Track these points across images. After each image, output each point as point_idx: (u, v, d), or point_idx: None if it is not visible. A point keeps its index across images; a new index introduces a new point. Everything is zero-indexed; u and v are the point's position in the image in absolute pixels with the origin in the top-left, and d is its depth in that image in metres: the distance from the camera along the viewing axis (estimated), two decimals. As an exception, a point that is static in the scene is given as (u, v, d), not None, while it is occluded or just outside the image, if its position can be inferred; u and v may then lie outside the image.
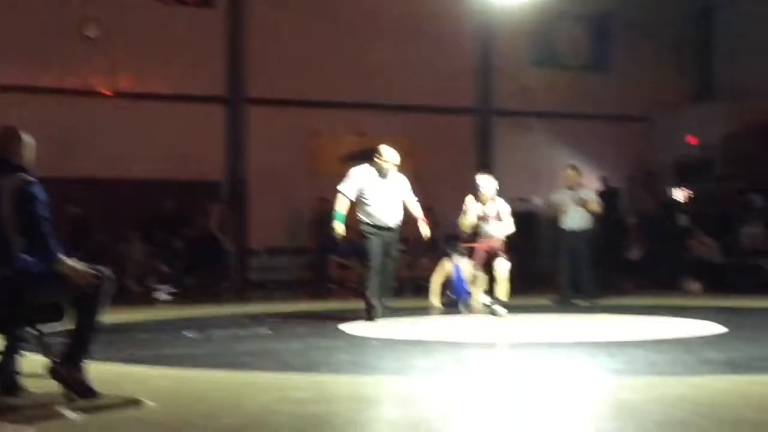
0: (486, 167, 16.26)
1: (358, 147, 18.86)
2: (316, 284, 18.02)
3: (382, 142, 10.57)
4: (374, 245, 10.01)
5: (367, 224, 10.09)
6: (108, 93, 17.88)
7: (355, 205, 10.20)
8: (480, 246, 10.36)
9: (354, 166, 10.51)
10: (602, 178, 18.72)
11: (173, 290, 15.87)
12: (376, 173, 10.12)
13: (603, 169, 18.80)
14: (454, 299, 12.01)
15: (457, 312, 11.25)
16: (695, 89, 22.12)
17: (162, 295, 15.44)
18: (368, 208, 10.09)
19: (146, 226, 17.09)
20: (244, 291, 17.32)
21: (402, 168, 10.38)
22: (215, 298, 15.38)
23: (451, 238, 13.61)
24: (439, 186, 17.47)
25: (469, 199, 10.61)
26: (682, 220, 17.84)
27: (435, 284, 12.27)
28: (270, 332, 9.40)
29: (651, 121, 21.11)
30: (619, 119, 21.26)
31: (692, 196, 19.21)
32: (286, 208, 18.87)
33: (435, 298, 12.11)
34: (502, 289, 10.54)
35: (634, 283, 16.82)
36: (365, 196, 10.10)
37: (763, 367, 6.33)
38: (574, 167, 13.81)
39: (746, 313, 11.16)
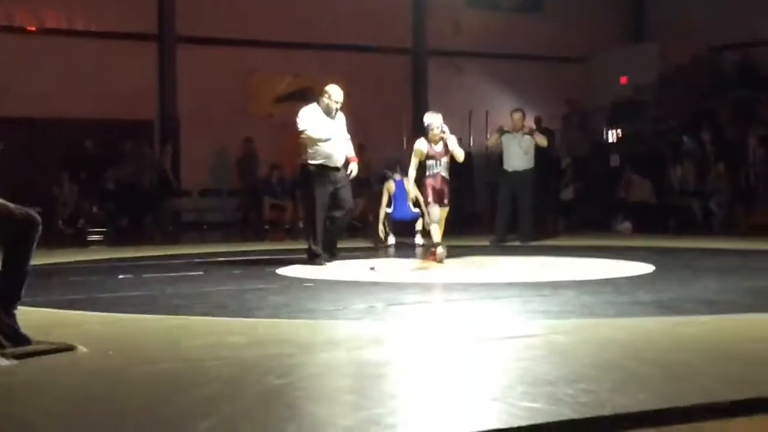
0: (420, 108, 16.28)
1: (291, 87, 18.72)
2: (249, 225, 17.97)
3: (315, 82, 10.45)
4: (320, 191, 9.86)
5: (314, 166, 9.92)
6: (33, 29, 17.46)
7: (301, 146, 10.05)
8: (428, 182, 10.22)
9: (287, 106, 10.39)
10: (536, 118, 18.80)
11: (104, 230, 15.73)
12: (323, 113, 10.00)
13: (537, 109, 18.86)
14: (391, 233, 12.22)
15: (397, 249, 11.28)
16: (629, 30, 22.24)
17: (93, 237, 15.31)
18: (316, 148, 9.92)
19: (75, 167, 16.84)
20: (176, 232, 17.20)
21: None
22: (148, 240, 15.25)
23: (391, 160, 13.58)
24: (373, 125, 17.43)
25: (420, 142, 10.31)
26: (615, 160, 18.02)
27: (380, 216, 12.47)
28: (203, 274, 9.35)
29: (585, 62, 21.20)
30: (553, 59, 21.32)
31: (622, 136, 19.37)
32: (217, 149, 18.72)
33: (381, 232, 12.36)
34: (438, 230, 10.50)
35: (567, 223, 17.03)
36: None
37: (692, 307, 6.44)
38: (519, 110, 13.83)
39: (676, 254, 11.34)
